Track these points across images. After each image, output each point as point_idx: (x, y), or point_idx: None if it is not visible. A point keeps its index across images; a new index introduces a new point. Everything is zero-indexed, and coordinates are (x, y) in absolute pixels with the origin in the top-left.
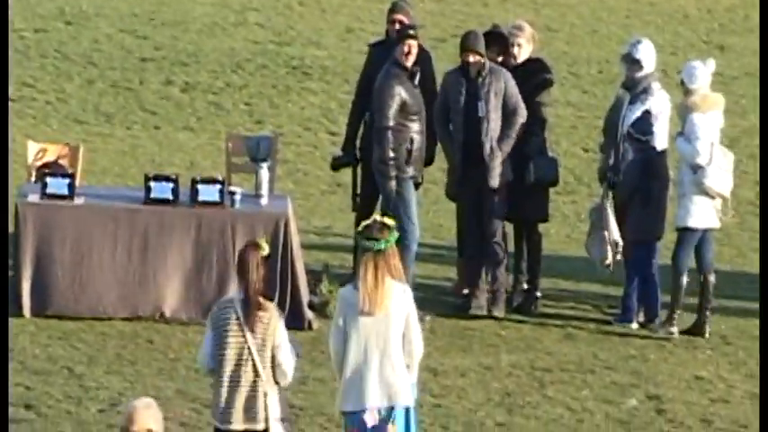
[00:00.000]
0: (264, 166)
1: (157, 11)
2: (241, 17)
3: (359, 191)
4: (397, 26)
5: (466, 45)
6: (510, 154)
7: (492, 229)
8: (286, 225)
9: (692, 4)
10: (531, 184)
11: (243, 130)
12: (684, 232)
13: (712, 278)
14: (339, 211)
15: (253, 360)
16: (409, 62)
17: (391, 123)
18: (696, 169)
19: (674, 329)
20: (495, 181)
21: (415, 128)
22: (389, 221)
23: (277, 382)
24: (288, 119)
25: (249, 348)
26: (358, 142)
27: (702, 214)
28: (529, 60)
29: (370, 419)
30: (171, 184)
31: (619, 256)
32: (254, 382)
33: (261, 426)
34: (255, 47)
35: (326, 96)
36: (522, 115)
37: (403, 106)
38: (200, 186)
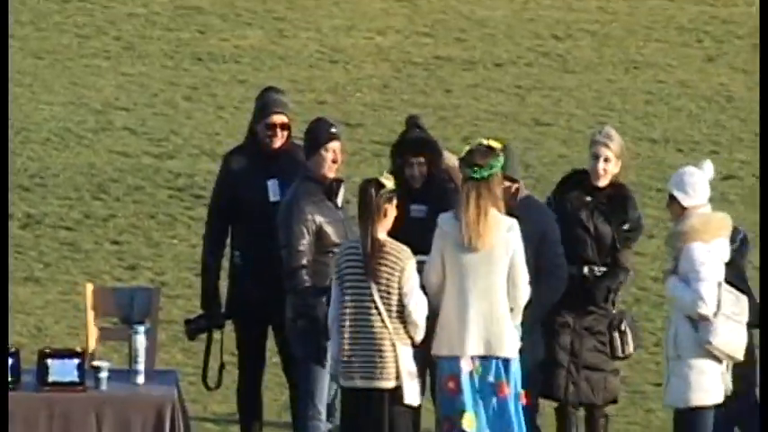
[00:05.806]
0: (141, 330)
1: None
2: (104, 120)
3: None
4: (270, 132)
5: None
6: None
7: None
8: (173, 413)
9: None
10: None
11: (110, 281)
12: (692, 414)
13: None
14: None
15: (377, 309)
16: (332, 174)
17: (305, 261)
18: (697, 323)
19: None
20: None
21: None
22: (495, 144)
23: (409, 336)
24: (173, 262)
25: (372, 296)
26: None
27: (713, 385)
28: (611, 186)
29: (467, 366)
30: (9, 360)
31: None
32: (380, 334)
33: (389, 383)
34: (125, 162)
35: None
36: (563, 277)
37: (320, 236)
38: (50, 362)
